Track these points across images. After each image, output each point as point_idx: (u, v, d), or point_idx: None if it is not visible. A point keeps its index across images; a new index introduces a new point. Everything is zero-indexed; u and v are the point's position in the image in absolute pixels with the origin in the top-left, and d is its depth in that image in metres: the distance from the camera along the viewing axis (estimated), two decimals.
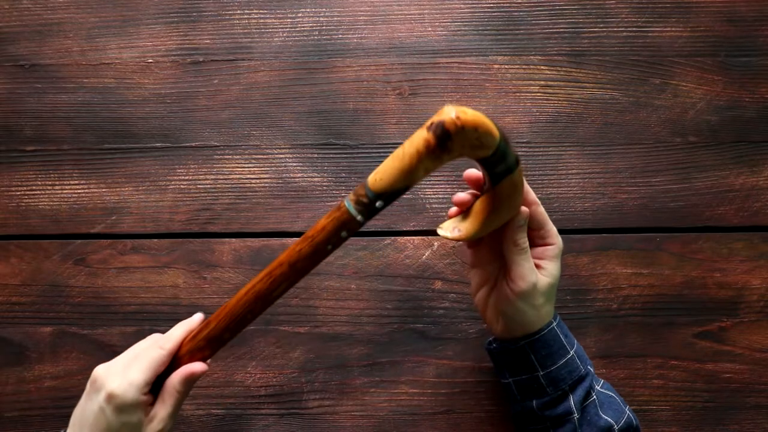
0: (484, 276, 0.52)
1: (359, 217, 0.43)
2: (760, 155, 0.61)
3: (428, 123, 0.41)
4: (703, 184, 0.61)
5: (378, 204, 0.43)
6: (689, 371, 0.59)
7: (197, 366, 0.46)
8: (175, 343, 0.48)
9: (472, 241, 0.51)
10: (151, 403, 0.46)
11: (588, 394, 0.50)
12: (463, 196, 0.49)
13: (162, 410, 0.45)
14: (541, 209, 0.50)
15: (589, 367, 0.51)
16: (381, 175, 0.42)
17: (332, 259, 0.60)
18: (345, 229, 0.44)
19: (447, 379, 0.59)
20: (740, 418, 0.59)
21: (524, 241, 0.48)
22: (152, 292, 0.60)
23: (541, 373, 0.49)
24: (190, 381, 0.46)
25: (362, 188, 0.43)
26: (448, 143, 0.40)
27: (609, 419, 0.49)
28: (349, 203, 0.43)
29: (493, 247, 0.50)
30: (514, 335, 0.50)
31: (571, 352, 0.50)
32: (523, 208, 0.48)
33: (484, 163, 0.44)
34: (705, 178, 0.61)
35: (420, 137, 0.41)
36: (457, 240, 0.47)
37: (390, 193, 0.43)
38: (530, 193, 0.49)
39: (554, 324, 0.50)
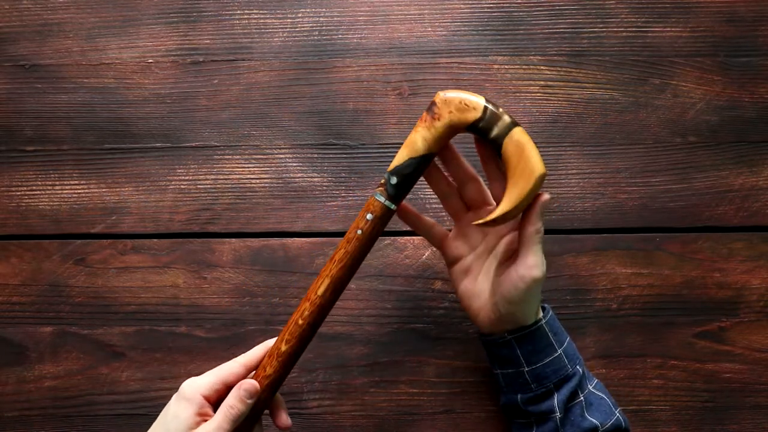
0: (463, 271, 0.52)
1: (378, 197, 0.48)
2: (760, 155, 0.61)
3: None
4: (702, 184, 0.61)
5: (392, 180, 0.48)
6: (689, 371, 0.59)
7: (247, 383, 0.47)
8: (250, 357, 0.49)
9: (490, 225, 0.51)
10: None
11: (574, 394, 0.50)
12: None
13: (210, 423, 0.45)
14: (499, 166, 0.49)
15: (578, 367, 0.50)
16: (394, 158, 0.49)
17: None
18: (368, 211, 0.48)
19: (447, 379, 0.59)
20: (740, 418, 0.59)
21: (542, 227, 0.47)
22: (152, 292, 0.60)
23: (527, 369, 0.50)
24: (243, 398, 0.46)
25: (383, 176, 0.49)
26: (434, 108, 0.47)
27: (594, 421, 0.49)
28: (374, 191, 0.49)
29: (467, 236, 0.51)
30: (502, 328, 0.50)
31: (559, 351, 0.50)
32: (545, 194, 0.47)
33: (480, 133, 0.46)
34: (704, 178, 0.61)
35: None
36: (494, 222, 0.47)
37: (398, 167, 0.48)
38: (488, 148, 0.49)
39: (543, 321, 0.50)
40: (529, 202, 0.46)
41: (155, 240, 0.61)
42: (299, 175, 0.62)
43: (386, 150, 0.62)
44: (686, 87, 0.62)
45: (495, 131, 0.46)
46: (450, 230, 0.54)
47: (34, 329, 0.60)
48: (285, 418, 0.49)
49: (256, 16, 0.63)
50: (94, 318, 0.60)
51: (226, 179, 0.62)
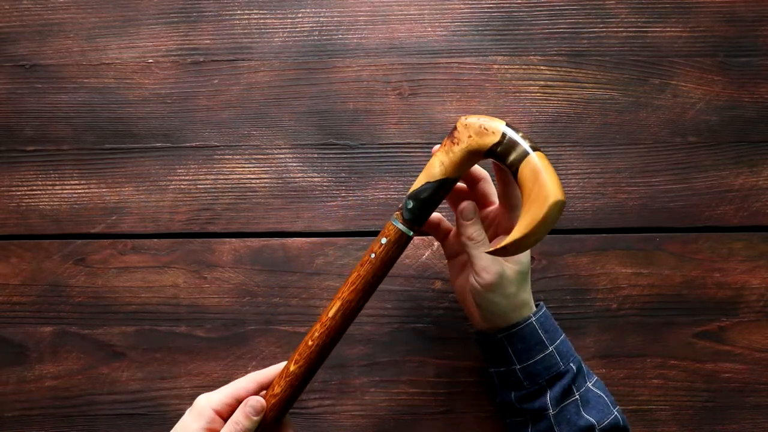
0: (460, 266, 0.52)
1: (395, 222, 0.48)
2: (760, 155, 0.61)
3: None
4: (702, 184, 0.61)
5: (408, 204, 0.48)
6: (689, 371, 0.59)
7: (254, 399, 0.47)
8: (264, 375, 0.49)
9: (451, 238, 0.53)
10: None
11: (567, 391, 0.49)
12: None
13: None
14: (518, 193, 0.48)
15: (571, 365, 0.50)
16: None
17: (332, 259, 0.60)
18: (384, 235, 0.48)
19: (447, 379, 0.59)
20: (740, 418, 0.59)
21: (478, 235, 0.48)
22: (152, 292, 0.60)
23: (518, 367, 0.50)
24: (249, 414, 0.46)
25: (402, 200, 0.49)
26: (455, 133, 0.46)
27: (590, 419, 0.49)
28: (392, 216, 0.49)
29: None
30: (493, 326, 0.50)
31: (550, 348, 0.50)
32: (466, 203, 0.48)
33: (497, 156, 0.46)
34: (704, 178, 0.61)
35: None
36: (504, 250, 0.45)
37: (415, 191, 0.48)
38: (507, 174, 0.49)
39: (533, 319, 0.50)
40: (546, 229, 0.44)
41: (155, 240, 0.61)
42: (299, 175, 0.62)
43: (386, 150, 0.62)
44: (686, 87, 0.62)
45: (512, 156, 0.45)
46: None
47: (35, 329, 0.60)
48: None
49: (256, 16, 0.63)
50: (94, 318, 0.60)
51: (226, 179, 0.62)
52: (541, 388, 0.49)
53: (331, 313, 0.48)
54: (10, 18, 0.63)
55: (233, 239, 0.61)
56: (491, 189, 0.52)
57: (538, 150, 0.45)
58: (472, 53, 0.62)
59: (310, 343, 0.48)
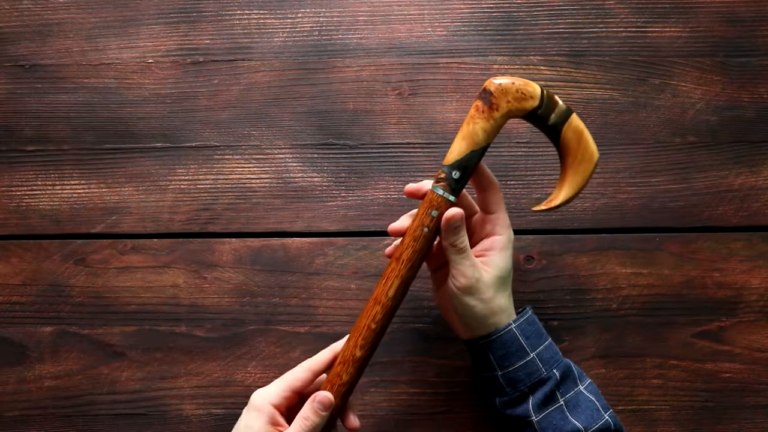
0: (443, 278, 0.52)
1: (441, 192, 0.48)
2: (760, 155, 0.62)
3: None
4: (702, 184, 0.61)
5: (454, 174, 0.48)
6: (688, 371, 0.59)
7: (322, 395, 0.47)
8: (317, 362, 0.49)
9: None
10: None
11: (550, 398, 0.49)
12: (396, 225, 0.50)
13: None
14: (499, 195, 0.50)
15: (554, 371, 0.49)
16: (450, 150, 0.48)
17: (332, 259, 0.60)
18: (433, 207, 0.48)
19: (447, 379, 0.59)
20: (739, 418, 0.59)
21: (461, 242, 0.48)
22: (152, 292, 0.60)
23: (500, 373, 0.50)
24: (318, 410, 0.46)
25: (440, 169, 0.48)
26: (492, 99, 0.47)
27: (578, 424, 0.48)
28: (432, 186, 0.48)
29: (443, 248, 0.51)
30: (474, 334, 0.50)
31: (532, 355, 0.49)
32: (455, 211, 0.47)
33: (537, 120, 0.48)
34: (704, 178, 0.61)
35: (472, 105, 0.48)
36: (556, 207, 0.49)
37: (460, 161, 0.47)
38: (489, 176, 0.50)
39: (513, 326, 0.49)
40: (586, 186, 0.49)
41: (155, 240, 0.61)
42: (299, 175, 0.62)
43: (386, 150, 0.62)
44: (686, 87, 0.62)
45: (553, 118, 0.47)
46: None
47: (35, 329, 0.60)
48: (353, 420, 0.50)
49: (256, 16, 0.63)
50: (94, 318, 0.60)
51: (226, 179, 0.62)
52: (523, 395, 0.49)
53: (391, 293, 0.48)
54: (10, 18, 0.63)
55: (233, 239, 0.61)
56: (470, 200, 0.53)
57: (573, 111, 0.48)
58: (472, 53, 0.63)
59: (373, 326, 0.48)
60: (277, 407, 0.46)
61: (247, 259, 0.61)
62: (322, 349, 0.49)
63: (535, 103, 0.47)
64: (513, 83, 0.47)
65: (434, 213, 0.48)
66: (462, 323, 0.51)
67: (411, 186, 0.51)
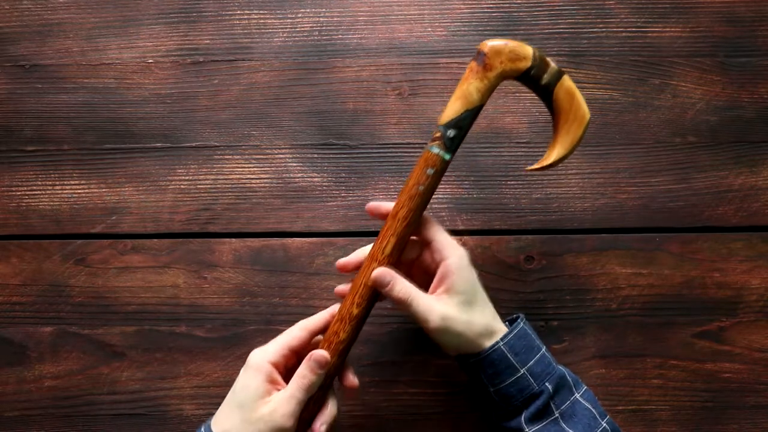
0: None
1: (437, 151, 0.48)
2: (759, 155, 0.62)
3: None
4: (702, 184, 0.61)
5: (449, 133, 0.48)
6: (688, 371, 0.59)
7: (318, 354, 0.47)
8: (314, 322, 0.49)
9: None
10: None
11: (544, 411, 0.48)
12: (345, 260, 0.51)
13: (284, 392, 0.46)
14: (428, 221, 0.50)
15: (547, 384, 0.48)
16: (446, 109, 0.49)
17: (332, 259, 0.60)
18: (428, 166, 0.48)
19: (447, 379, 0.59)
20: (739, 418, 0.59)
21: (400, 295, 0.47)
22: (152, 292, 0.60)
23: (492, 390, 0.49)
24: (314, 369, 0.46)
25: (436, 129, 0.49)
26: (485, 60, 0.48)
27: None
28: (429, 146, 0.49)
29: (419, 274, 0.51)
30: (463, 353, 0.50)
31: (522, 371, 0.48)
32: (376, 272, 0.47)
33: (530, 81, 0.49)
34: (704, 178, 0.61)
35: (467, 67, 0.49)
36: (549, 166, 0.50)
37: (455, 120, 0.48)
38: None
39: (501, 344, 0.48)
40: (579, 145, 0.50)
41: (155, 240, 0.61)
42: (299, 175, 0.62)
43: (386, 150, 0.62)
44: (686, 87, 0.62)
45: (546, 78, 0.48)
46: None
47: (35, 329, 0.60)
48: (352, 379, 0.50)
49: (256, 16, 0.63)
50: (94, 318, 0.60)
51: (226, 179, 0.62)
52: (516, 409, 0.49)
53: (387, 250, 0.48)
54: (10, 18, 0.63)
55: (233, 239, 0.61)
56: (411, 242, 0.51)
57: (564, 72, 0.49)
58: (472, 53, 0.62)
59: (369, 283, 0.48)
60: (275, 365, 0.47)
61: (247, 259, 0.61)
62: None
63: (528, 63, 0.48)
64: (506, 44, 0.48)
65: (430, 171, 0.48)
66: (449, 351, 0.51)
67: (373, 204, 0.51)
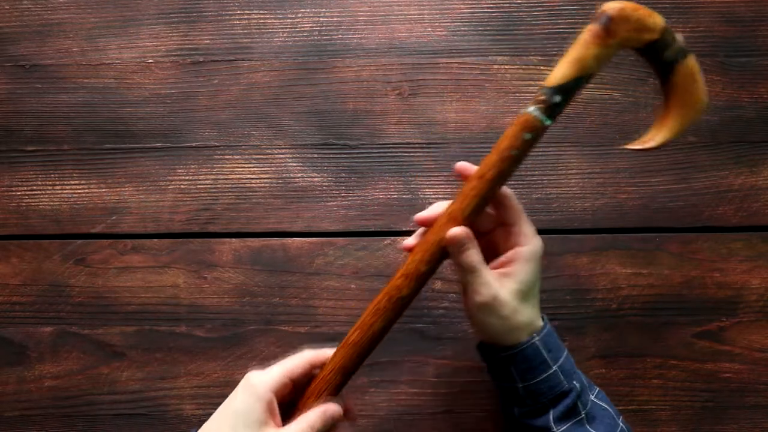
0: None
1: (537, 114, 0.44)
2: (759, 155, 0.62)
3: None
4: (702, 184, 0.61)
5: (556, 98, 0.44)
6: (688, 371, 0.59)
7: (332, 408, 0.45)
8: (316, 354, 0.47)
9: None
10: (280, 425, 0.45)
11: (572, 410, 0.48)
12: (424, 215, 0.48)
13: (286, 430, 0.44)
14: (513, 204, 0.48)
15: (575, 383, 0.48)
16: (555, 71, 0.44)
17: (332, 259, 0.60)
18: (526, 130, 0.44)
19: (447, 379, 0.59)
20: (739, 418, 0.59)
21: (470, 261, 0.46)
22: (152, 292, 0.60)
23: (520, 386, 0.48)
24: (327, 421, 0.45)
25: (540, 91, 0.44)
26: (611, 25, 0.42)
27: None
28: (529, 107, 0.44)
29: (482, 246, 0.49)
30: (495, 343, 0.49)
31: (554, 368, 0.48)
32: (455, 230, 0.45)
33: (651, 53, 0.44)
34: (704, 178, 0.61)
35: (586, 29, 0.43)
36: (652, 148, 0.46)
37: (565, 85, 0.43)
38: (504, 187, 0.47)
39: (536, 339, 0.47)
40: (687, 131, 0.46)
41: (155, 240, 0.61)
42: (299, 175, 0.62)
43: (386, 150, 0.62)
44: None
45: (668, 54, 0.44)
46: None
47: (35, 329, 0.60)
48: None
49: (256, 16, 0.63)
50: (94, 318, 0.60)
51: (226, 179, 0.62)
52: (543, 407, 0.48)
53: (467, 212, 0.45)
54: (10, 18, 0.63)
55: (233, 239, 0.61)
56: (489, 213, 0.50)
57: (691, 51, 0.44)
58: (472, 53, 0.63)
59: (444, 242, 0.45)
60: (275, 394, 0.45)
61: (247, 259, 0.61)
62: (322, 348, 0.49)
63: (655, 36, 0.43)
64: (635, 11, 0.42)
65: (527, 136, 0.44)
66: (482, 335, 0.50)
67: (463, 164, 0.48)
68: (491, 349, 0.50)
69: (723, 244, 0.61)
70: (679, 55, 0.44)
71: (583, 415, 0.48)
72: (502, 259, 0.48)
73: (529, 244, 0.48)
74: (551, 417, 0.47)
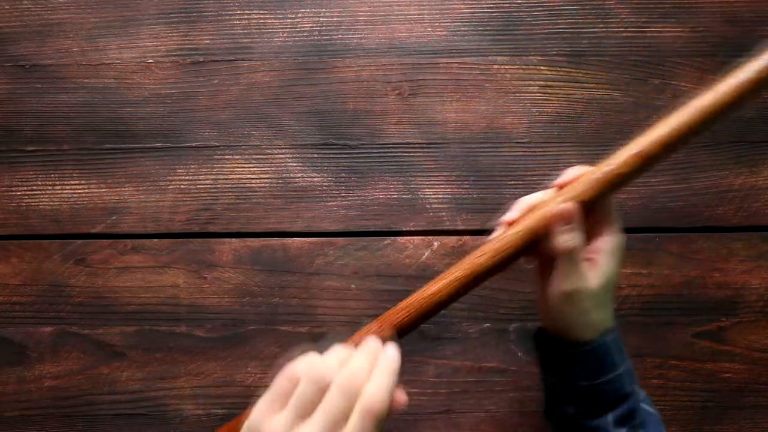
0: (544, 265, 0.47)
1: None
2: (759, 155, 0.62)
3: None
4: (702, 184, 0.61)
5: None
6: (688, 371, 0.59)
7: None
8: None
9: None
10: None
11: (631, 415, 0.46)
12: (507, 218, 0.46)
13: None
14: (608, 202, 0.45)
15: (634, 386, 0.46)
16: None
17: (332, 259, 0.60)
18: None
19: (447, 379, 0.59)
20: (739, 418, 0.59)
21: (572, 244, 0.43)
22: (152, 292, 0.60)
23: (585, 383, 0.45)
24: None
25: None
26: None
27: None
28: None
29: None
30: (565, 337, 0.46)
31: (621, 369, 0.46)
32: (564, 206, 0.43)
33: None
34: (704, 179, 0.61)
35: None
36: None
37: None
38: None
39: (609, 338, 0.45)
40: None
41: (155, 240, 0.61)
42: (299, 175, 0.62)
43: (386, 150, 0.62)
44: (686, 87, 0.62)
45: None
46: None
47: (35, 329, 0.60)
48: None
49: (256, 16, 0.63)
50: (94, 318, 0.60)
51: (226, 179, 0.62)
52: (603, 408, 0.46)
53: (586, 198, 0.43)
54: (10, 18, 0.63)
55: (233, 239, 0.61)
56: None
57: None
58: (472, 53, 0.63)
59: (551, 214, 0.43)
60: None
61: (247, 259, 0.61)
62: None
63: None
64: None
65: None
66: (554, 326, 0.47)
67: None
68: (556, 342, 0.47)
69: (723, 244, 0.61)
70: None
71: (639, 421, 0.46)
72: (587, 249, 0.45)
73: (615, 235, 0.46)
74: (610, 419, 0.45)
